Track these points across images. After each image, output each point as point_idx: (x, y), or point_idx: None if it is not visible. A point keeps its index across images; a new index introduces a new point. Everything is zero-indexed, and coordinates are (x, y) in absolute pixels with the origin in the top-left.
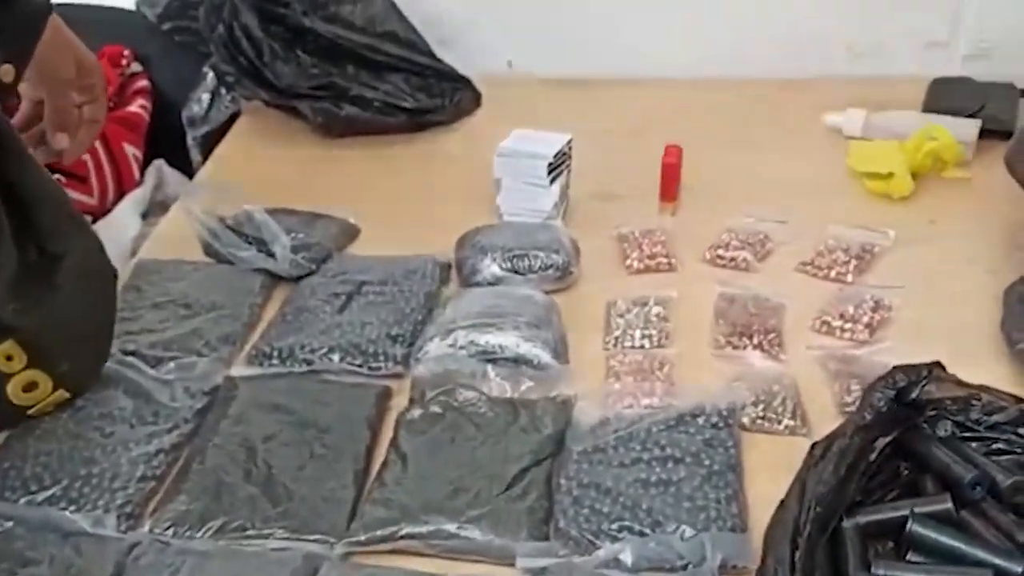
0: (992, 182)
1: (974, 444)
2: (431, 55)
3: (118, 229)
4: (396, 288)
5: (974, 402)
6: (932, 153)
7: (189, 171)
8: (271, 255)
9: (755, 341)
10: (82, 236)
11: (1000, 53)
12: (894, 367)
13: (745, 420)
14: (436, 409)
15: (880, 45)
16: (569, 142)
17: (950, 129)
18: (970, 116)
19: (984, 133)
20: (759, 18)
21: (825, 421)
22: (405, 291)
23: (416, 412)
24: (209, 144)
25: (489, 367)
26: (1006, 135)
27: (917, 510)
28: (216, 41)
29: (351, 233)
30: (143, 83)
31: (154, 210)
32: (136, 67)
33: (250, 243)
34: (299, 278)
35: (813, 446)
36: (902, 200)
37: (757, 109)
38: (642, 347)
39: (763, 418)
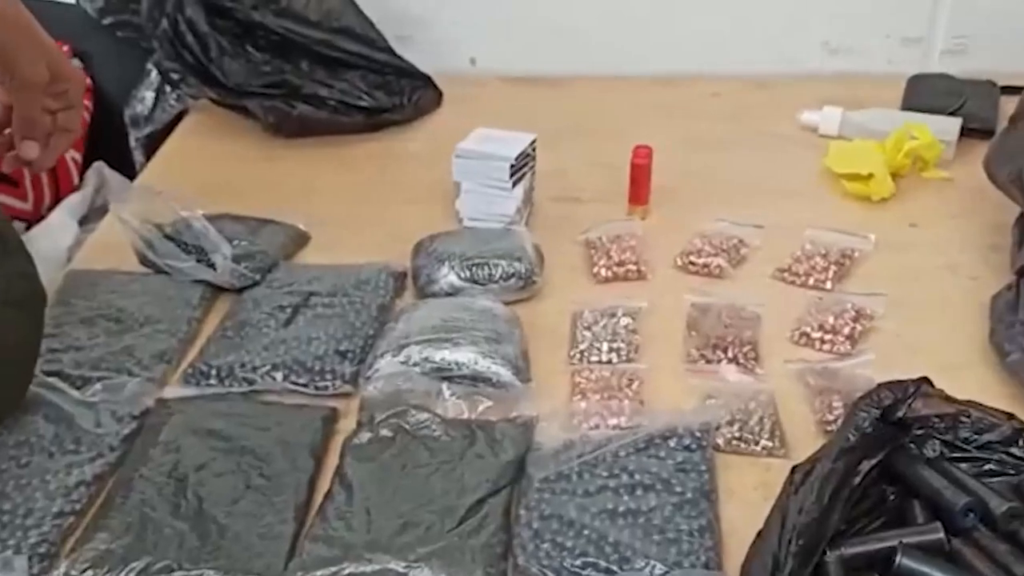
0: (973, 182)
1: (964, 465)
2: (390, 52)
3: (53, 237)
4: (346, 300)
5: (963, 419)
6: (912, 153)
7: (132, 174)
8: (211, 265)
9: (730, 354)
10: (7, 258)
11: (977, 49)
12: (879, 385)
13: (720, 441)
14: (386, 433)
15: (856, 41)
16: (533, 143)
17: (930, 128)
18: (950, 114)
19: (964, 131)
20: (731, 14)
21: (805, 441)
22: (356, 303)
23: (364, 436)
24: (153, 145)
25: (444, 386)
26: (987, 133)
27: (906, 541)
28: (160, 37)
29: (300, 240)
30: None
31: (94, 215)
32: (75, 64)
33: (189, 252)
34: (242, 289)
35: (793, 470)
36: (882, 202)
37: (729, 108)
38: (609, 361)
39: (739, 439)
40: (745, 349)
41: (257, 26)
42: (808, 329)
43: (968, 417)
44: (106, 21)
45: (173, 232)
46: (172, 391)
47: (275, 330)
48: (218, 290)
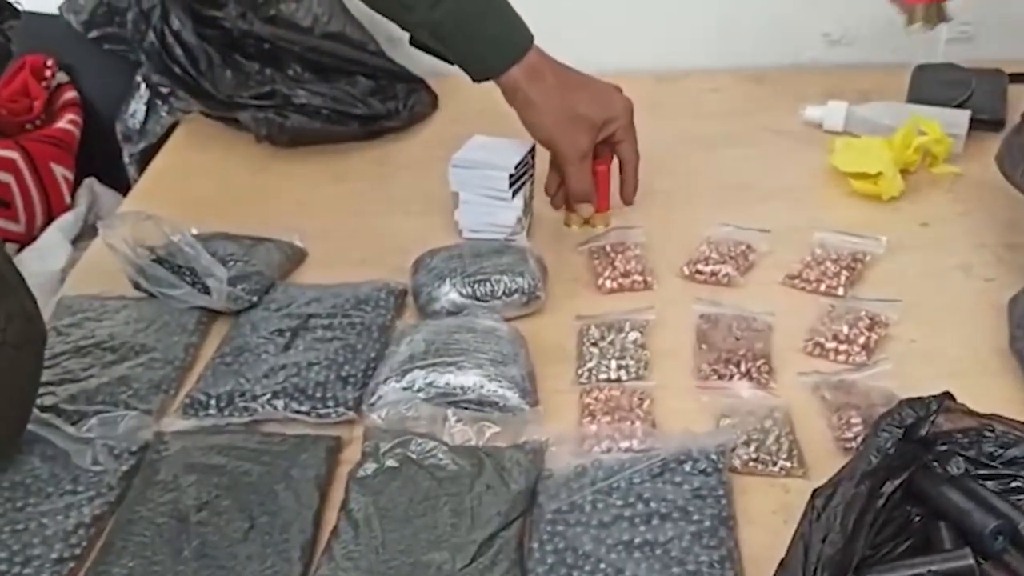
0: (983, 177)
1: (990, 483)
2: (382, 55)
3: (45, 259)
4: (346, 321)
5: (987, 434)
6: (921, 149)
7: (126, 190)
8: (206, 289)
9: (742, 369)
10: (5, 297)
11: (984, 36)
12: (900, 402)
13: (736, 462)
14: (391, 463)
15: (857, 31)
16: (532, 149)
17: (939, 121)
18: (957, 106)
19: (973, 123)
20: (727, 4)
21: (824, 459)
22: (356, 324)
23: (369, 467)
24: (147, 160)
25: (450, 412)
26: (996, 124)
27: (934, 568)
28: (147, 50)
29: (296, 257)
30: (71, 95)
31: (87, 234)
32: (62, 77)
33: (182, 277)
34: (239, 312)
35: (814, 494)
36: (891, 200)
37: (729, 104)
38: (618, 380)
39: (756, 460)
40: (758, 363)
41: (246, 35)
42: (822, 340)
43: (992, 431)
44: (92, 34)
45: (166, 255)
46: (170, 423)
47: (274, 355)
48: (215, 314)
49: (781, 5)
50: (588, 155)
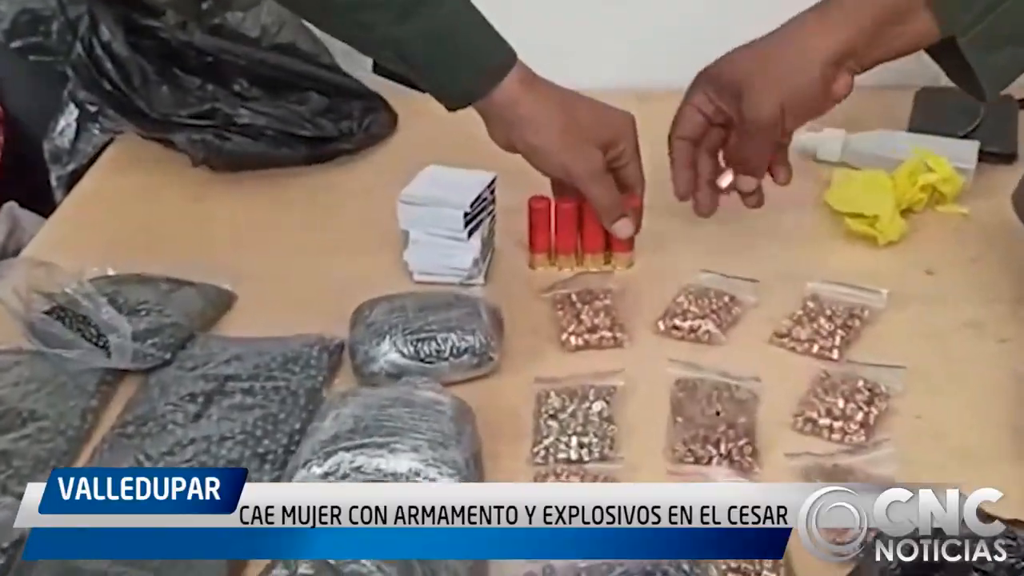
0: (993, 218)
1: None
2: (337, 69)
3: None
4: (270, 384)
5: (1010, 544)
6: (928, 188)
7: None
8: (107, 347)
9: (722, 449)
10: None
11: None
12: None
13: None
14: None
15: None
16: (492, 183)
17: (945, 154)
18: (964, 136)
19: (980, 156)
20: (707, 18)
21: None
22: (281, 389)
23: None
24: (77, 182)
25: None
26: (1007, 158)
27: None
28: (74, 63)
29: (223, 303)
30: None
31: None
32: None
33: (84, 331)
34: (151, 369)
35: None
36: (891, 244)
37: None
38: (580, 460)
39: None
40: (741, 443)
41: (186, 46)
42: (814, 415)
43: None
44: (15, 44)
45: (68, 303)
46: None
47: (182, 426)
48: (122, 371)
49: (766, 19)
50: (604, 168)
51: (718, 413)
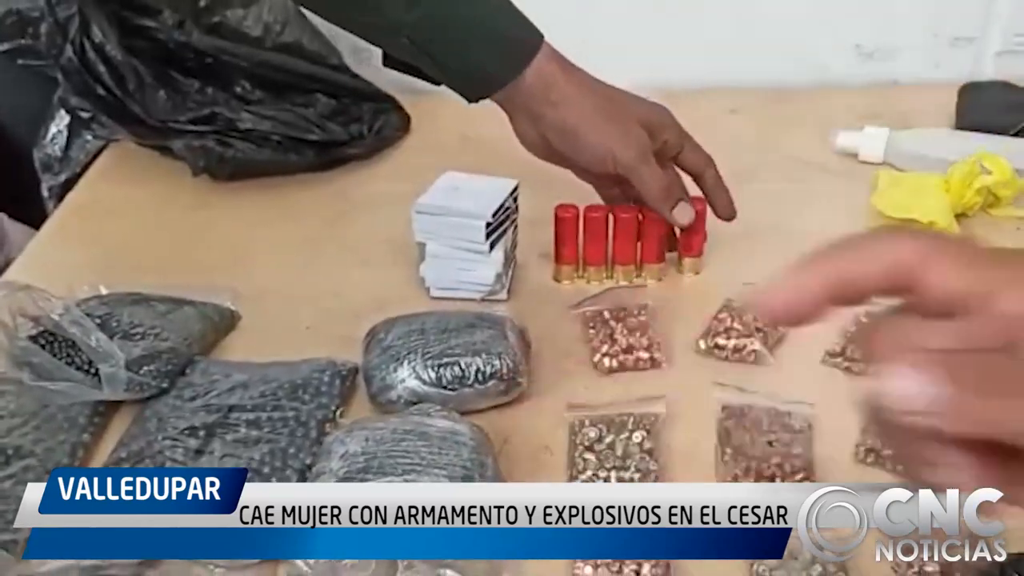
0: None
1: None
2: (345, 69)
3: None
4: (277, 415)
5: None
6: (984, 191)
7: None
8: (98, 375)
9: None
10: None
11: None
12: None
13: None
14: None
15: (894, 43)
16: (514, 191)
17: (998, 153)
18: (1016, 134)
19: None
20: (745, 13)
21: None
22: (289, 420)
23: None
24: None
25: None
26: None
27: None
28: (64, 67)
29: (226, 324)
30: None
31: None
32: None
33: (72, 360)
34: (147, 399)
35: None
36: None
37: (751, 127)
38: None
39: None
40: (798, 478)
41: (183, 47)
42: (877, 444)
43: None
44: (1, 48)
45: (56, 327)
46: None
47: (182, 463)
48: (116, 401)
49: (805, 13)
50: (651, 152)
51: (771, 443)
